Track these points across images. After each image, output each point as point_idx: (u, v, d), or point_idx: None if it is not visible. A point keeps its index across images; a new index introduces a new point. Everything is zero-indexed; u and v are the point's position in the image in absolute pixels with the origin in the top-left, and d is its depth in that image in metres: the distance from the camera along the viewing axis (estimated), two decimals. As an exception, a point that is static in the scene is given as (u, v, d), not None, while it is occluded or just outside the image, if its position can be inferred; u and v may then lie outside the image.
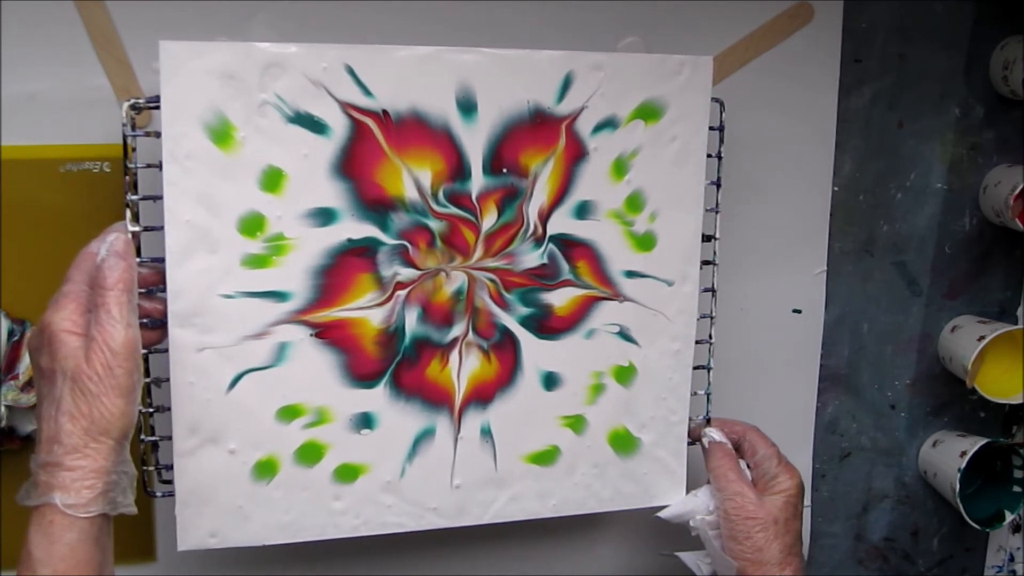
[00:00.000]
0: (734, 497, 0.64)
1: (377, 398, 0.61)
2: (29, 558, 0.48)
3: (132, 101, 0.55)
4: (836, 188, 0.77)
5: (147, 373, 0.60)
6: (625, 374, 0.66)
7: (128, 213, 0.56)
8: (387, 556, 0.73)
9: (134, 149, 0.58)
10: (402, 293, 0.60)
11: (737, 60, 0.73)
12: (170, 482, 0.60)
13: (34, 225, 0.63)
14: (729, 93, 0.71)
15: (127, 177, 0.56)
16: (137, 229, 0.55)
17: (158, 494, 0.61)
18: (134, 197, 0.56)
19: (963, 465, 0.76)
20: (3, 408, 0.61)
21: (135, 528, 0.67)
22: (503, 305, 0.63)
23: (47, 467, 0.49)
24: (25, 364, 0.61)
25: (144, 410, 0.59)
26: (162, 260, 0.56)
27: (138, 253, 0.58)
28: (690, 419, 0.69)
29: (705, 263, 0.68)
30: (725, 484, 0.65)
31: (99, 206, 0.62)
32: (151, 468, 0.61)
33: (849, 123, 0.76)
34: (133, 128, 0.57)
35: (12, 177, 0.63)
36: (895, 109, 0.77)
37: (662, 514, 0.68)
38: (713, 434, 0.68)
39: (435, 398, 0.62)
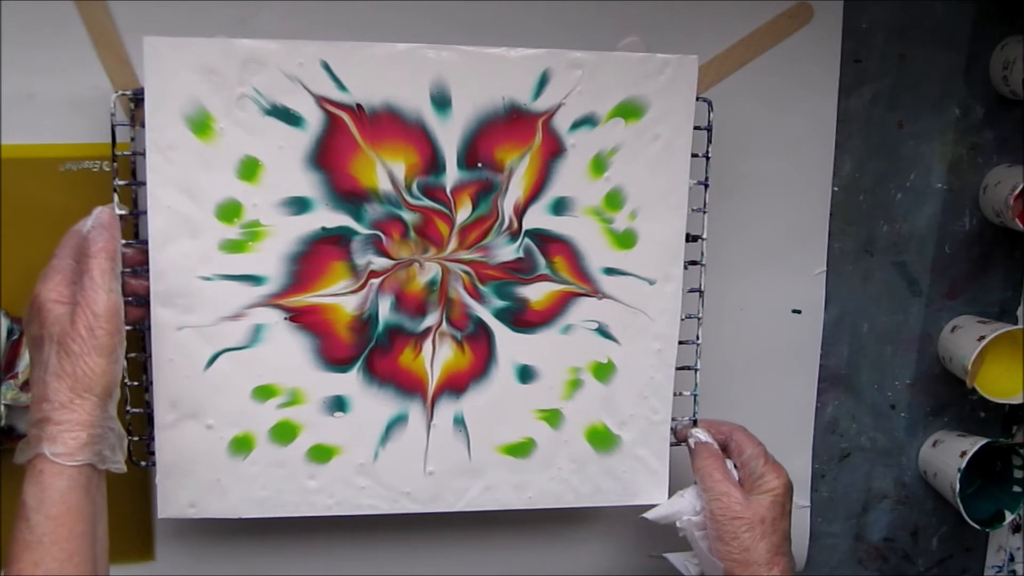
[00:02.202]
0: (720, 497, 0.64)
1: (350, 382, 0.63)
2: (23, 507, 0.51)
3: (119, 93, 0.59)
4: (836, 188, 0.76)
5: (143, 350, 0.64)
6: (604, 371, 0.67)
7: (115, 197, 0.59)
8: (377, 552, 0.74)
9: (133, 139, 0.61)
10: (375, 282, 0.62)
11: (737, 60, 0.72)
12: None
13: (34, 225, 0.64)
14: (729, 93, 0.72)
15: (114, 164, 0.59)
16: (124, 212, 0.59)
17: (142, 464, 0.65)
18: (121, 183, 0.60)
19: (963, 465, 0.75)
20: (3, 407, 0.63)
21: (135, 528, 0.70)
22: (478, 297, 0.64)
23: (37, 423, 0.53)
24: (25, 363, 0.63)
25: (129, 383, 0.63)
26: (147, 242, 0.59)
27: (133, 236, 0.62)
28: (675, 419, 0.69)
29: (693, 263, 0.68)
30: (711, 484, 0.65)
31: (99, 205, 0.61)
32: (137, 439, 0.64)
33: (849, 123, 0.75)
34: (132, 121, 0.61)
35: (12, 177, 0.64)
36: (895, 109, 0.75)
37: (648, 515, 0.68)
38: (699, 434, 0.68)
39: (408, 385, 0.64)
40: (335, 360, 0.63)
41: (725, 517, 0.63)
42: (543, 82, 0.62)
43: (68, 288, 0.55)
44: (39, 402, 0.53)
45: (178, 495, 0.62)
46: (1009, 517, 0.77)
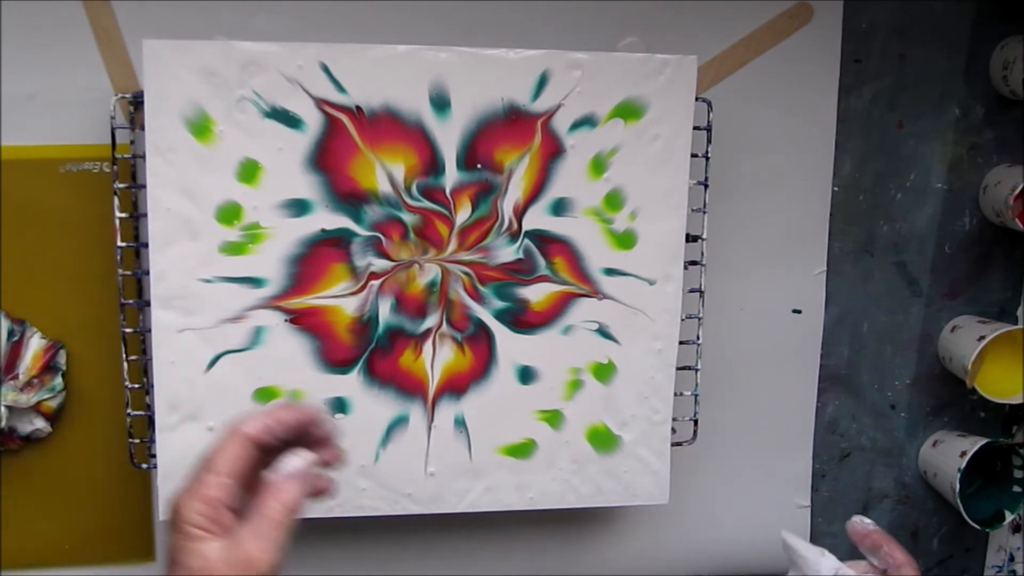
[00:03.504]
0: None
1: (351, 384, 0.63)
2: None
3: (120, 96, 0.59)
4: (836, 188, 0.76)
5: (144, 352, 0.64)
6: (604, 371, 0.67)
7: (116, 200, 0.59)
8: (378, 553, 0.74)
9: (132, 142, 0.62)
10: (376, 283, 0.62)
11: (737, 60, 0.72)
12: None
13: (34, 225, 0.64)
14: (729, 93, 0.72)
15: (114, 166, 0.59)
16: (123, 216, 0.59)
17: (144, 466, 0.65)
18: (121, 186, 0.60)
19: (963, 465, 0.75)
20: (3, 408, 0.63)
21: (135, 528, 0.70)
22: (478, 298, 0.64)
23: None
24: (25, 364, 0.63)
25: (130, 386, 0.63)
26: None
27: (133, 239, 0.62)
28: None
29: (693, 263, 0.68)
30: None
31: (99, 206, 0.63)
32: (138, 441, 0.65)
33: (849, 123, 0.75)
34: (132, 123, 0.61)
35: (12, 177, 0.64)
36: (895, 109, 0.75)
37: (787, 538, 0.63)
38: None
39: (408, 387, 0.64)
40: (335, 362, 0.63)
41: None
42: (542, 83, 0.62)
43: (226, 515, 0.44)
44: None
45: (179, 497, 0.62)
46: (1009, 517, 0.77)
